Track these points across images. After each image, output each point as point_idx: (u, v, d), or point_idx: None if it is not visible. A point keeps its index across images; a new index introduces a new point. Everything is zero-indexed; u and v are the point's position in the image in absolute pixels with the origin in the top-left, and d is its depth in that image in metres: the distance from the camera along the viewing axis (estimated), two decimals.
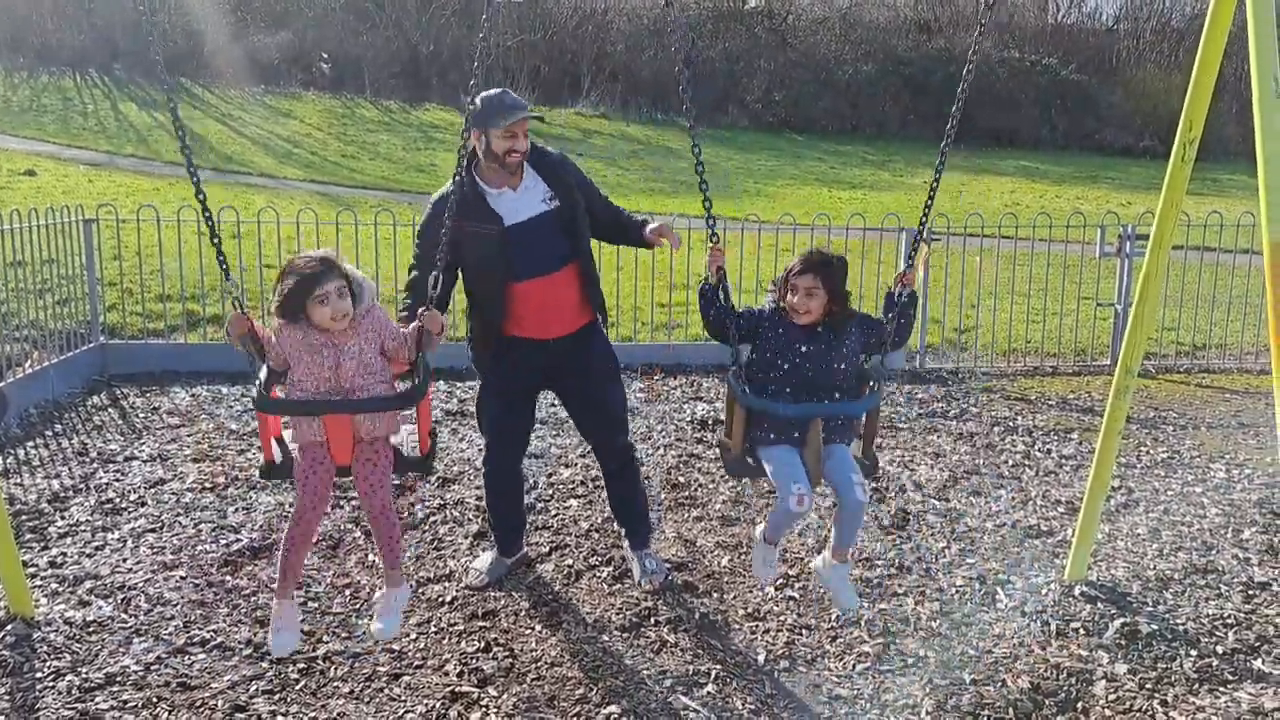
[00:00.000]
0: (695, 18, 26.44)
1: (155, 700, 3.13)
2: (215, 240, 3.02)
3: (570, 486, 5.05)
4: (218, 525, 4.47)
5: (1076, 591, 3.97)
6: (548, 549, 4.30)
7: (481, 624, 3.65)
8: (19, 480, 4.97)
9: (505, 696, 3.20)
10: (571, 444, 5.63)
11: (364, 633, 3.54)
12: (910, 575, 4.13)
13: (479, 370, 3.89)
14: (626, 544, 4.13)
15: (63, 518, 4.52)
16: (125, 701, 3.12)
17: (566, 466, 5.33)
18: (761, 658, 3.47)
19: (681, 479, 5.19)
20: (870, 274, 7.68)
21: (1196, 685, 3.32)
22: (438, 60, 25.08)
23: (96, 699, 3.13)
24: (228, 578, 3.97)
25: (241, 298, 3.03)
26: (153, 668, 3.31)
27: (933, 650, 3.54)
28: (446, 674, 3.32)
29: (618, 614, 3.74)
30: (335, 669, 3.33)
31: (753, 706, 3.18)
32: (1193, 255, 8.41)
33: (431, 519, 4.61)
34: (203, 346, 7.21)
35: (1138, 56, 28.18)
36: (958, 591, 3.99)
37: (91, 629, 3.54)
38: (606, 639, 3.58)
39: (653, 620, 3.70)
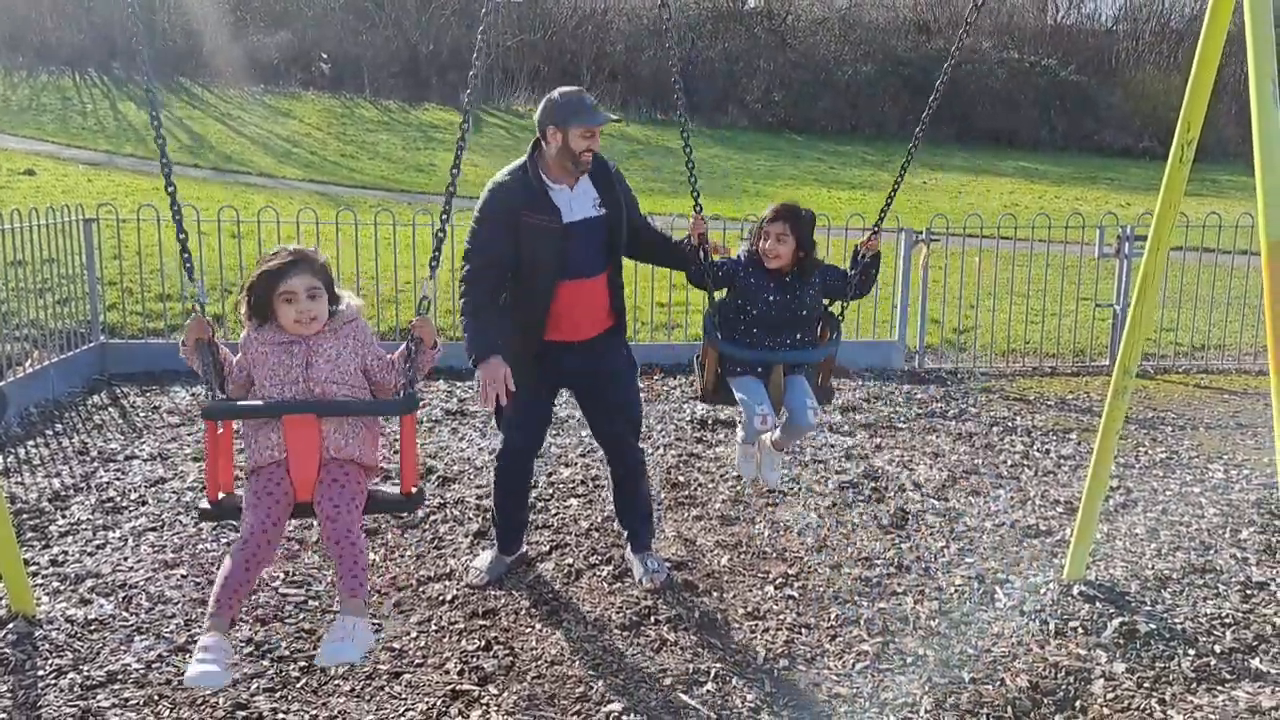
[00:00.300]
0: (695, 18, 26.47)
1: (156, 698, 3.13)
2: (181, 235, 2.77)
3: (570, 486, 5.06)
4: (218, 524, 4.47)
5: (1075, 591, 3.98)
6: (548, 548, 4.31)
7: (482, 622, 3.66)
8: (20, 479, 4.98)
9: (505, 695, 3.21)
10: (571, 444, 5.64)
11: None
12: (909, 574, 4.14)
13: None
14: (628, 546, 4.14)
15: (64, 516, 4.52)
16: (127, 699, 3.13)
17: (566, 466, 5.34)
18: (761, 656, 3.48)
19: (681, 478, 5.21)
20: None
21: (1194, 684, 3.34)
22: (437, 60, 25.10)
23: (98, 696, 3.14)
24: None
25: (202, 298, 2.78)
26: (154, 666, 3.32)
27: (931, 649, 3.55)
28: (447, 672, 3.33)
29: (618, 613, 3.75)
30: (336, 667, 3.34)
31: (752, 705, 3.19)
32: (1191, 256, 8.44)
33: (432, 518, 4.62)
34: None
35: (1137, 57, 28.21)
36: (956, 591, 4.00)
37: (93, 627, 3.55)
38: (607, 637, 3.59)
39: (653, 619, 3.71)
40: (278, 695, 3.18)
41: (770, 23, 27.83)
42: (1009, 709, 3.19)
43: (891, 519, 4.71)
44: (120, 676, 3.25)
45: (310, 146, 19.56)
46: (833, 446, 5.77)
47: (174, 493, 4.84)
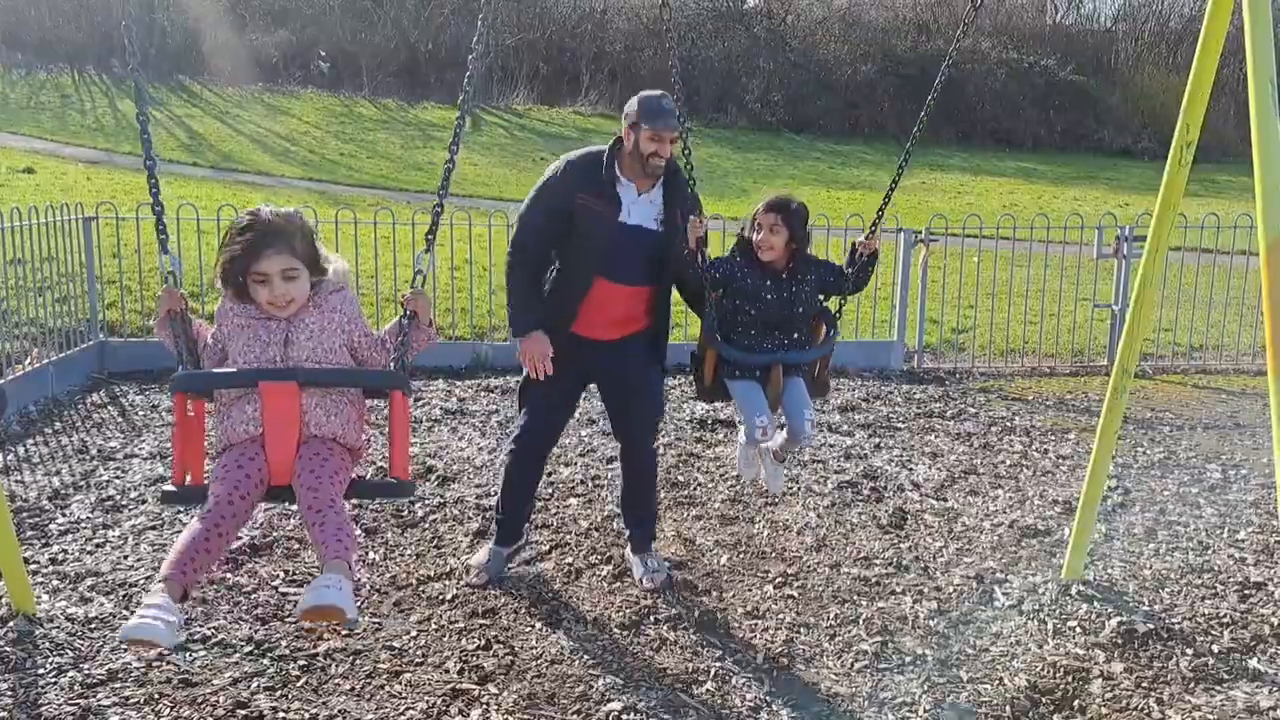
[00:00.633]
0: (694, 17, 26.44)
1: (157, 697, 3.14)
2: (157, 209, 2.63)
3: (570, 485, 5.07)
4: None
5: (1073, 591, 3.99)
6: (548, 547, 4.31)
7: (482, 622, 3.67)
8: (19, 477, 4.98)
9: (505, 694, 3.21)
10: (571, 443, 5.64)
11: (364, 630, 3.56)
12: (908, 574, 4.15)
13: None
14: (628, 546, 4.14)
15: (63, 515, 4.53)
16: (127, 698, 3.13)
17: (566, 465, 5.34)
18: (760, 655, 3.49)
19: (681, 478, 5.21)
20: None
21: (1192, 684, 3.34)
22: (436, 58, 25.09)
23: (98, 695, 3.14)
24: (228, 575, 3.97)
25: (178, 272, 2.61)
26: (154, 664, 3.31)
27: (930, 648, 3.56)
28: (447, 671, 3.33)
29: (617, 612, 3.76)
30: (336, 666, 3.34)
31: (752, 704, 3.20)
32: (1190, 256, 8.45)
33: (431, 517, 4.62)
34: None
35: (1136, 58, 28.21)
36: (955, 590, 4.01)
37: (93, 625, 3.55)
38: (606, 637, 3.59)
39: (652, 618, 3.72)
40: (278, 694, 3.18)
41: (770, 22, 27.82)
42: (1007, 708, 3.19)
43: (890, 519, 4.72)
44: (120, 675, 3.25)
45: (309, 145, 19.55)
46: (832, 446, 5.78)
47: None
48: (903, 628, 3.70)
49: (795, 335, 3.76)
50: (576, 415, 5.73)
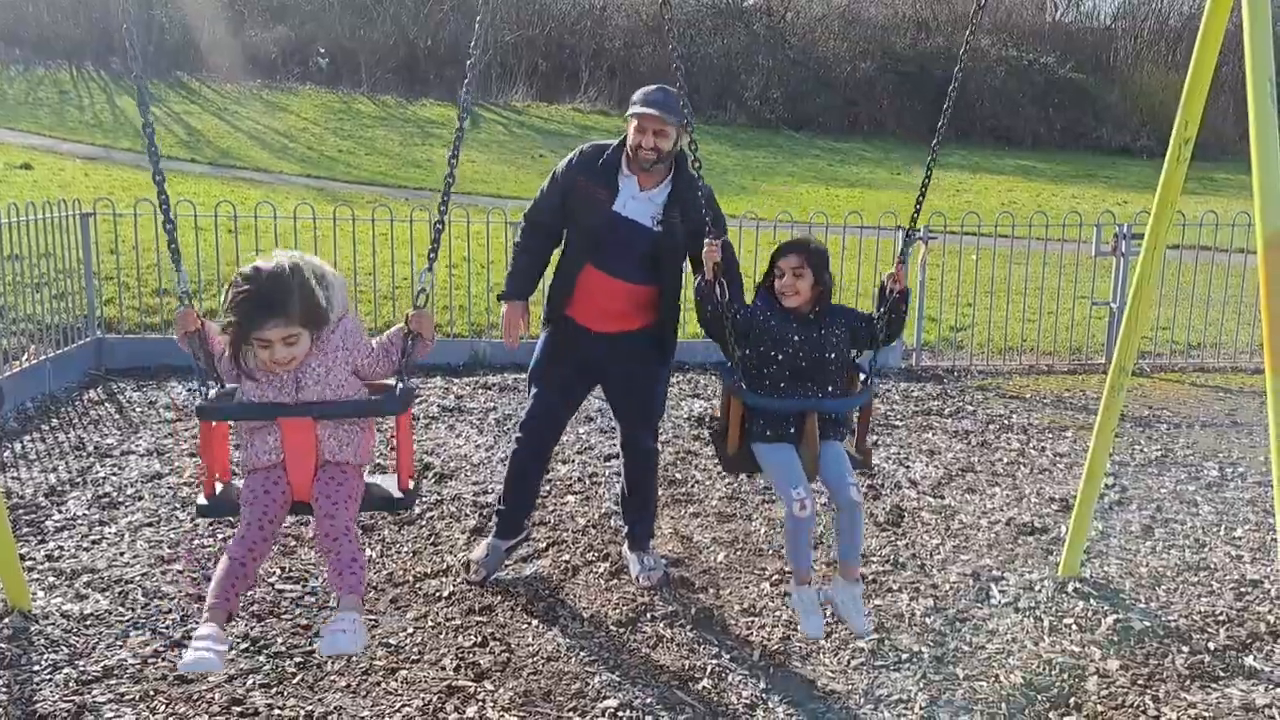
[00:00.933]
0: (694, 14, 26.42)
1: (152, 693, 3.13)
2: (169, 226, 2.72)
3: (567, 483, 5.07)
4: (214, 519, 4.47)
5: (1070, 588, 3.99)
6: (545, 544, 4.31)
7: (478, 619, 3.67)
8: (16, 474, 4.97)
9: (502, 691, 3.21)
10: (569, 440, 5.64)
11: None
12: (905, 571, 4.15)
13: (544, 323, 3.95)
14: (626, 543, 4.14)
15: (60, 511, 4.52)
16: (122, 694, 3.13)
17: (563, 463, 5.34)
18: (757, 652, 3.49)
19: (679, 475, 5.21)
20: (868, 270, 7.69)
21: (1188, 681, 3.35)
22: (435, 55, 25.06)
23: (94, 691, 3.13)
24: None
25: (184, 286, 2.71)
26: (150, 661, 3.32)
27: (927, 646, 3.56)
28: (443, 668, 3.33)
29: (614, 609, 3.76)
30: (332, 663, 3.34)
31: (748, 700, 3.20)
32: (1188, 254, 8.45)
33: (428, 514, 4.62)
34: None
35: (1135, 55, 28.21)
36: (952, 587, 4.01)
37: (89, 622, 3.55)
38: (603, 634, 3.59)
39: (649, 615, 3.72)
40: (274, 691, 3.18)
41: (769, 19, 27.80)
42: (1003, 705, 3.20)
43: (888, 516, 4.72)
44: (116, 671, 3.25)
45: (307, 141, 19.52)
46: None
47: (170, 488, 4.84)
48: (899, 625, 3.70)
49: (829, 387, 3.30)
50: (576, 415, 5.73)
